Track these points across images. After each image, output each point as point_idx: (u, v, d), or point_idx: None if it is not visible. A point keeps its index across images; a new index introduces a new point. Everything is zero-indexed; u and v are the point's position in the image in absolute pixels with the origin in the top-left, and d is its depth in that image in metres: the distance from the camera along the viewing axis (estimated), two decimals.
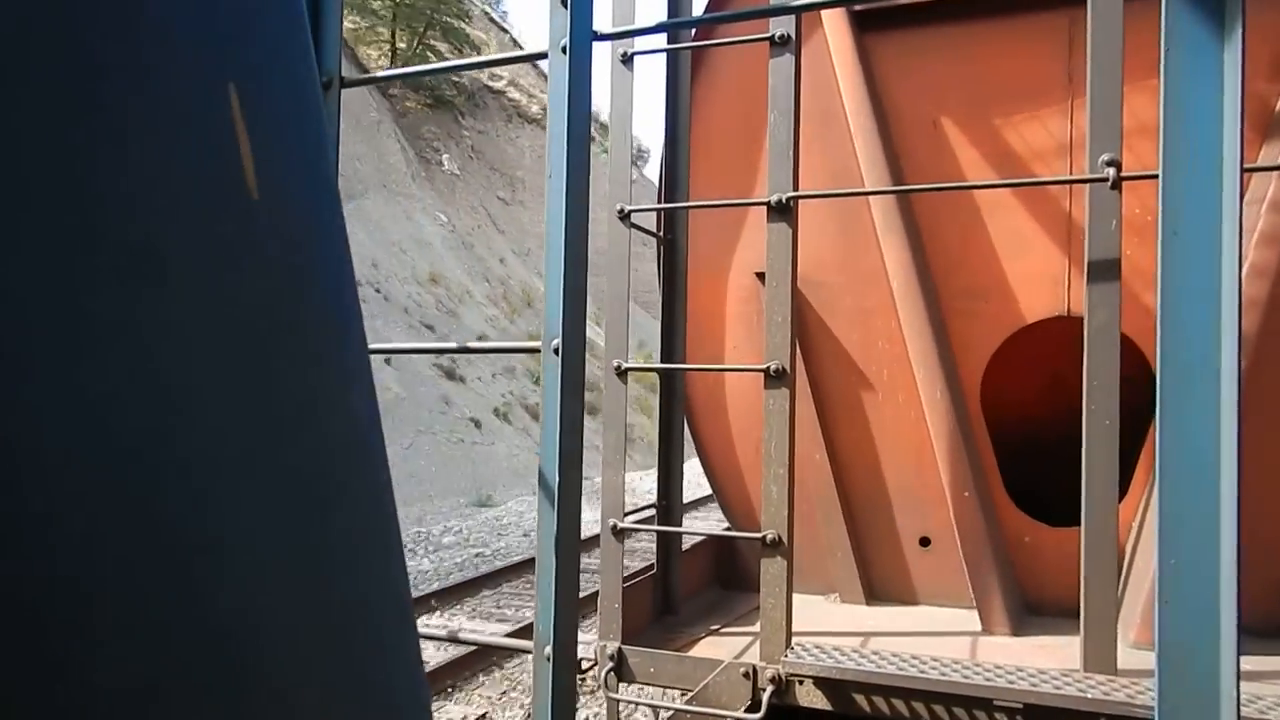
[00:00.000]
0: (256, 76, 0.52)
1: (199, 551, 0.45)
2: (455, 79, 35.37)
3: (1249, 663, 3.25)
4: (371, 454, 0.59)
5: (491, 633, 8.24)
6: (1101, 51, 2.99)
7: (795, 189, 3.21)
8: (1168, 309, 1.71)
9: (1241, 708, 2.46)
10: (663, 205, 3.98)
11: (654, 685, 3.46)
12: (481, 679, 7.62)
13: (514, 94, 37.52)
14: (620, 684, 3.38)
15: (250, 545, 0.48)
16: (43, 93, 0.40)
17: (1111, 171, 2.87)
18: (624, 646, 3.39)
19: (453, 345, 2.86)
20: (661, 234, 4.20)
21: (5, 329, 0.38)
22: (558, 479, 2.04)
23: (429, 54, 34.89)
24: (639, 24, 3.27)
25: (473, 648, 7.67)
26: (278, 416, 0.51)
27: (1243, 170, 1.76)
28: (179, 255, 0.46)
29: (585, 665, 3.32)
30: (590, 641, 3.50)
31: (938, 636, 3.72)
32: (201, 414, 0.46)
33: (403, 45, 35.19)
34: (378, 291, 23.29)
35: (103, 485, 0.41)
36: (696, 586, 4.34)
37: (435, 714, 6.91)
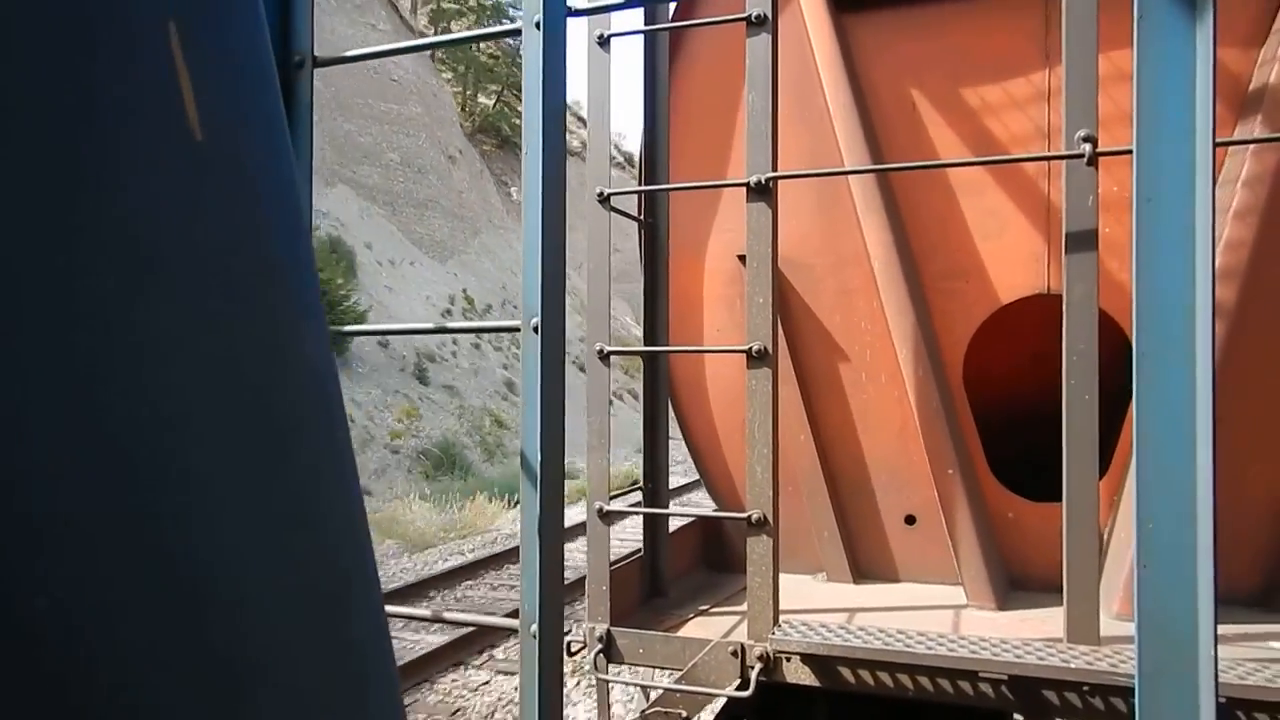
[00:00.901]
0: (198, 14, 0.51)
1: (157, 487, 0.44)
2: (516, 121, 42.77)
3: (1232, 630, 3.28)
4: (328, 399, 0.58)
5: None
6: (1076, 28, 2.99)
7: (774, 169, 3.21)
8: (1143, 273, 1.72)
9: (1222, 672, 2.49)
10: (643, 188, 3.97)
11: (643, 666, 3.47)
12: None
13: None
14: (610, 665, 3.38)
15: (208, 483, 0.48)
16: None
17: (1088, 148, 2.87)
18: (613, 628, 3.39)
19: (430, 326, 2.83)
20: (642, 218, 4.19)
21: None
22: (539, 457, 2.03)
23: (505, 108, 45.06)
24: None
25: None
26: (228, 360, 0.50)
27: (1215, 144, 1.76)
28: (119, 196, 0.45)
29: (575, 648, 3.33)
30: (580, 625, 3.50)
31: (924, 612, 3.74)
32: (149, 358, 0.45)
33: (487, 101, 45.80)
34: (516, 308, 26.05)
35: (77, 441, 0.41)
36: (684, 569, 4.34)
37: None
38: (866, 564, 4.21)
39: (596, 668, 3.37)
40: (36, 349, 0.39)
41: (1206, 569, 1.77)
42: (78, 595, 0.40)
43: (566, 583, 2.34)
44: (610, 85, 3.77)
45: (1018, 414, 5.13)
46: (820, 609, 3.73)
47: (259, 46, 0.57)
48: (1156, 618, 1.82)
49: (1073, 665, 2.79)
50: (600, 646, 3.37)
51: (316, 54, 2.28)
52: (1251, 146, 3.32)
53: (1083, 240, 2.96)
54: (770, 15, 3.20)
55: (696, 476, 6.05)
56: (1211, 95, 1.71)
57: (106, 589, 0.41)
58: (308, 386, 0.56)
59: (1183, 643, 1.82)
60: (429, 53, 39.50)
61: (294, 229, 0.57)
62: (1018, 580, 3.96)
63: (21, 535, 0.38)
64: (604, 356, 3.60)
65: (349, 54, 2.39)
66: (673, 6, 4.29)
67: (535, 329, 2.12)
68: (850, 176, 3.92)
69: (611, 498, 3.56)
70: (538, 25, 2.10)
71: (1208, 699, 1.79)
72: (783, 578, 3.26)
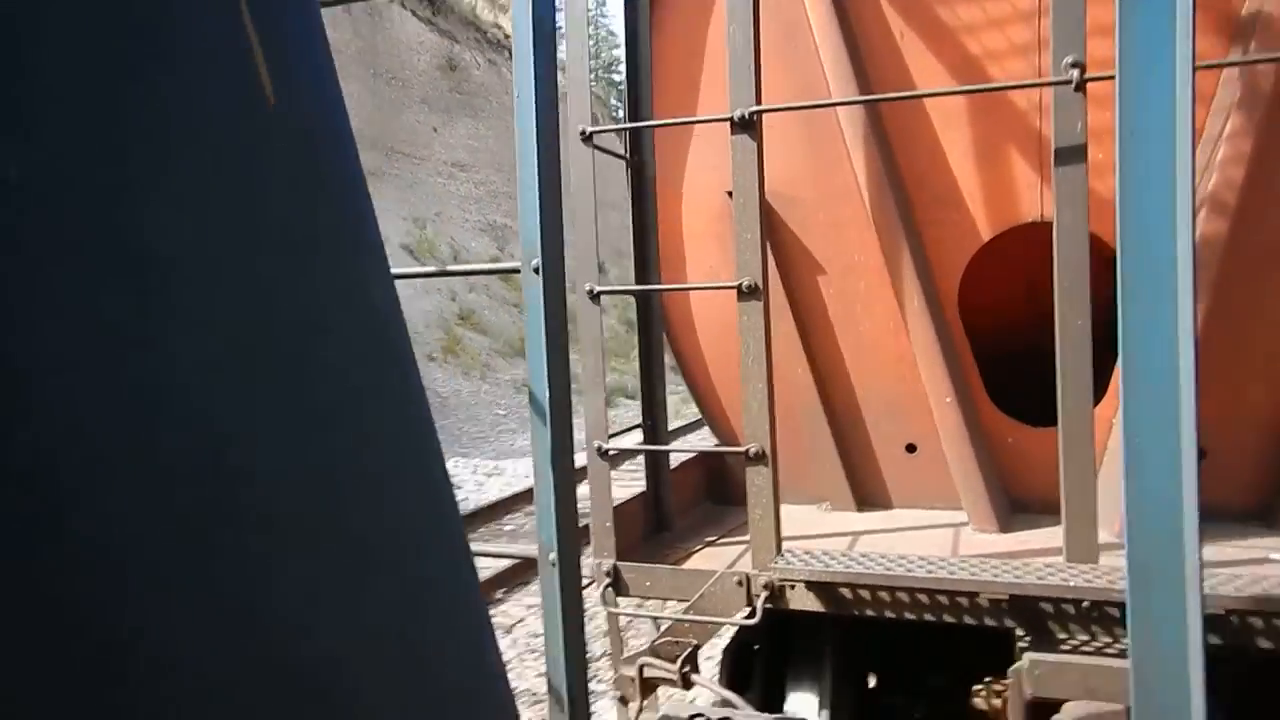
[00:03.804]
0: None
1: (221, 447, 0.48)
2: None
3: (1231, 545, 3.50)
4: (397, 350, 0.64)
5: None
6: None
7: (758, 103, 3.31)
8: (1126, 204, 1.87)
9: (1220, 584, 2.70)
10: (626, 125, 4.07)
11: (651, 598, 3.67)
12: None
13: None
14: (618, 598, 3.57)
15: (276, 443, 0.52)
16: (63, 14, 0.43)
17: (1075, 73, 2.99)
18: (619, 563, 3.57)
19: (434, 269, 2.98)
20: (629, 157, 4.29)
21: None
22: (548, 394, 2.19)
23: None
24: None
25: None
26: (300, 318, 0.55)
27: (1195, 68, 1.90)
28: (200, 168, 0.49)
29: (584, 583, 3.52)
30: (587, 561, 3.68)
31: (927, 536, 3.95)
32: (221, 320, 0.49)
33: None
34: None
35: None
36: (689, 503, 4.53)
37: None
38: (869, 492, 4.42)
39: (605, 601, 3.56)
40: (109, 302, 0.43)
41: (1190, 478, 1.94)
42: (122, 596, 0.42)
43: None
44: (588, 21, 3.85)
45: (1016, 341, 5.31)
46: (824, 535, 3.93)
47: (314, 13, 0.63)
48: (1144, 527, 2.01)
49: (1071, 584, 2.98)
50: (608, 581, 3.56)
51: None
52: (1244, 71, 3.45)
53: (1072, 166, 3.10)
54: None
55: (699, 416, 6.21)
56: (1191, 28, 1.85)
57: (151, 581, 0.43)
58: (378, 340, 0.62)
59: (1170, 549, 2.00)
60: None
61: (354, 187, 0.63)
62: (1019, 503, 4.16)
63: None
64: (594, 296, 3.72)
65: None
66: None
67: (536, 270, 2.26)
68: (840, 110, 4.03)
69: (610, 437, 3.72)
70: None
71: (1194, 602, 1.98)
72: (787, 508, 3.43)
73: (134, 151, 0.45)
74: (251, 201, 0.53)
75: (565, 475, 2.16)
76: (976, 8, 3.99)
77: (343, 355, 0.59)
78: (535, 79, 2.30)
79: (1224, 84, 3.55)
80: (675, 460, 4.47)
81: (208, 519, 0.45)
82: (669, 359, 4.61)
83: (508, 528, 10.59)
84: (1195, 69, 1.89)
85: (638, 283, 4.30)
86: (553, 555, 2.11)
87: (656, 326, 4.38)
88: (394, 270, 2.61)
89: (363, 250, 0.63)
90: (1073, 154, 3.10)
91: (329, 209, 0.60)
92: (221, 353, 0.48)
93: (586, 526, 3.66)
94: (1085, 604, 3.03)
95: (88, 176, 0.42)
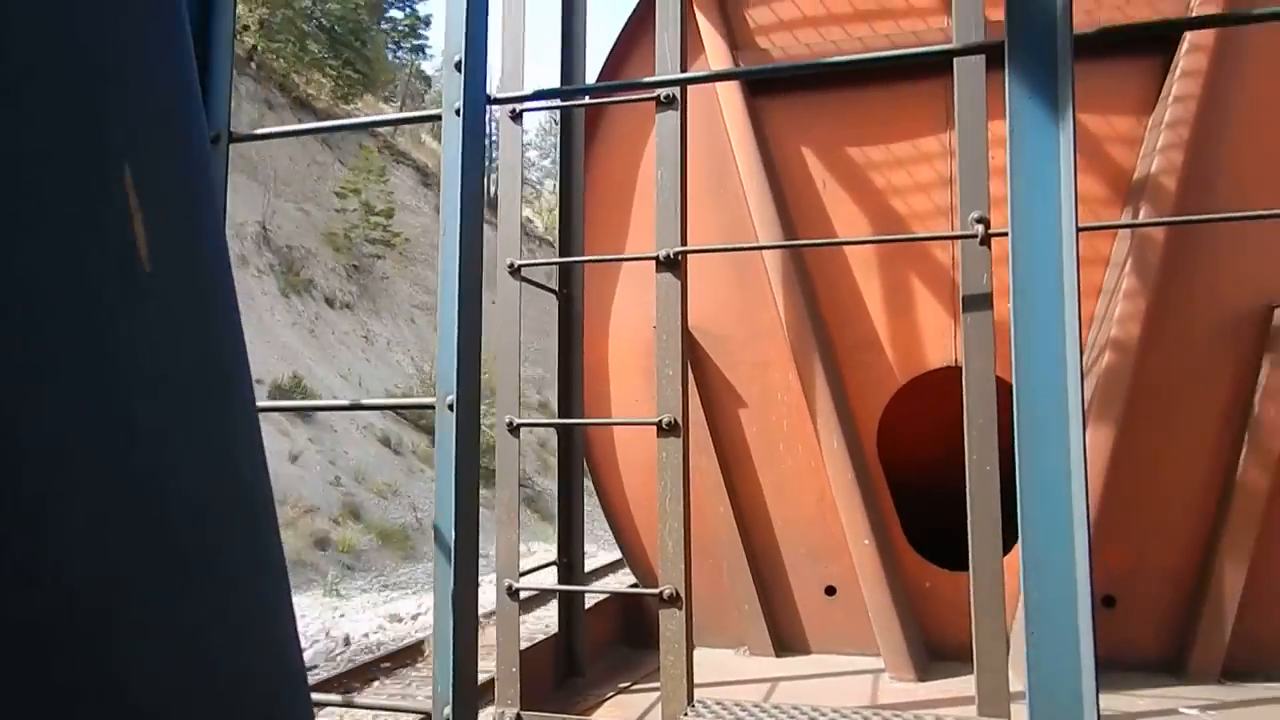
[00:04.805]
0: (149, 150, 0.59)
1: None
2: None
3: (1144, 696, 3.57)
4: (259, 508, 0.67)
5: None
6: (967, 116, 3.33)
7: (684, 243, 3.45)
8: (1020, 360, 1.99)
9: None
10: (556, 260, 4.19)
11: None
12: None
13: None
14: None
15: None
16: None
17: (980, 228, 3.20)
18: (523, 712, 3.50)
19: (346, 403, 2.97)
20: (559, 290, 4.39)
21: None
22: (454, 534, 2.19)
23: None
24: (530, 81, 3.49)
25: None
26: (161, 474, 0.58)
27: (1079, 230, 2.06)
28: (69, 333, 0.52)
29: None
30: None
31: (844, 685, 3.94)
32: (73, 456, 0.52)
33: None
34: None
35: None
36: (604, 646, 4.47)
37: None
38: (788, 636, 4.42)
39: None
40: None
41: (1088, 635, 2.01)
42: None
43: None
44: (521, 157, 4.00)
45: (935, 483, 5.44)
46: (740, 683, 3.90)
47: (202, 170, 0.66)
48: (1046, 681, 2.06)
49: None
50: None
51: (232, 130, 2.46)
52: (1135, 231, 3.73)
53: (979, 315, 3.27)
54: (679, 96, 3.47)
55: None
56: (1074, 202, 2.01)
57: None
58: (240, 498, 0.65)
59: (1070, 703, 2.05)
60: None
61: (231, 344, 0.66)
62: (936, 650, 4.20)
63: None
64: (513, 429, 3.75)
65: (263, 131, 2.57)
66: (593, 80, 4.55)
67: (450, 406, 2.29)
68: (764, 252, 4.21)
69: (522, 575, 3.69)
70: (458, 112, 2.32)
71: None
72: (706, 652, 3.41)
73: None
74: (118, 363, 0.55)
75: (467, 620, 2.14)
76: (894, 159, 4.26)
77: (203, 514, 0.61)
78: (461, 219, 2.38)
79: (1119, 240, 3.82)
80: (591, 600, 4.44)
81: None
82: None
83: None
84: (1080, 231, 2.05)
85: (560, 416, 4.34)
86: (447, 709, 2.07)
87: (577, 462, 4.41)
88: (315, 402, 2.61)
89: (231, 407, 0.66)
90: (979, 302, 3.27)
91: (196, 370, 0.63)
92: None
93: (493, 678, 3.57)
94: None
95: None
